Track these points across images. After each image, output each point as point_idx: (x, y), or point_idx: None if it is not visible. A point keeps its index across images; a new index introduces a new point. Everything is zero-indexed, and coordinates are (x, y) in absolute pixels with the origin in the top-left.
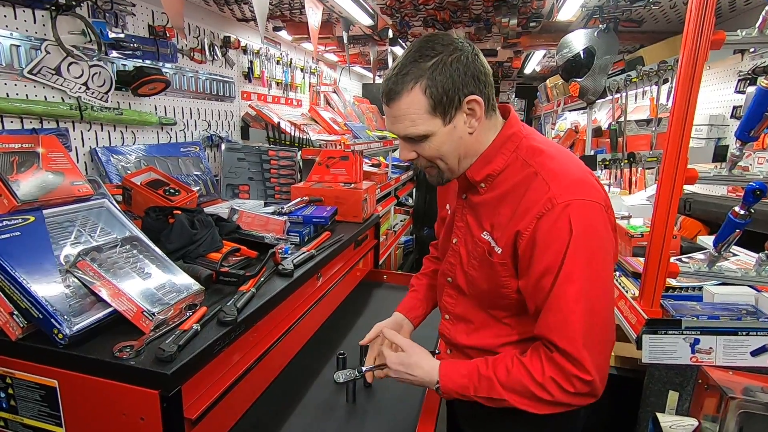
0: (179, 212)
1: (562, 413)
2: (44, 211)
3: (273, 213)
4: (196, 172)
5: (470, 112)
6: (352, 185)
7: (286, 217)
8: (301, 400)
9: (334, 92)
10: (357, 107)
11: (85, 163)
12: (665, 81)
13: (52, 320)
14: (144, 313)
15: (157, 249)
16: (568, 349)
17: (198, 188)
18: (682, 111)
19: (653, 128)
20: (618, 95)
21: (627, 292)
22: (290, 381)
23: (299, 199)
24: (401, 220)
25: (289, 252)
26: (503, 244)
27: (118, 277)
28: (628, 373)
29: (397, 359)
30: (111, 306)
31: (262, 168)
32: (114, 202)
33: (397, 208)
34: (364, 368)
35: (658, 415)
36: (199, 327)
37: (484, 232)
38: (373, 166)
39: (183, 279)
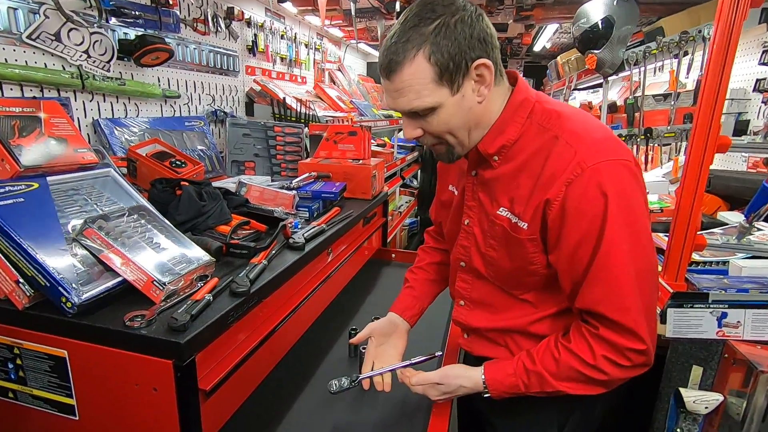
0: (186, 184)
1: None
2: (48, 178)
3: (281, 188)
4: (200, 147)
5: (479, 78)
6: (361, 161)
7: (294, 192)
8: (312, 376)
9: (339, 70)
10: (362, 86)
11: (87, 134)
12: (686, 53)
13: (60, 288)
14: (154, 282)
15: (165, 220)
16: (621, 320)
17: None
18: (717, 70)
19: (672, 102)
20: (636, 68)
21: None
22: (301, 356)
23: (307, 174)
24: (406, 202)
25: (299, 226)
26: (529, 217)
27: (126, 246)
28: None
29: (440, 393)
30: (120, 275)
31: (268, 144)
32: (119, 172)
33: (401, 189)
34: (360, 375)
35: (681, 390)
36: (211, 297)
37: (501, 209)
38: (378, 146)
39: (193, 250)
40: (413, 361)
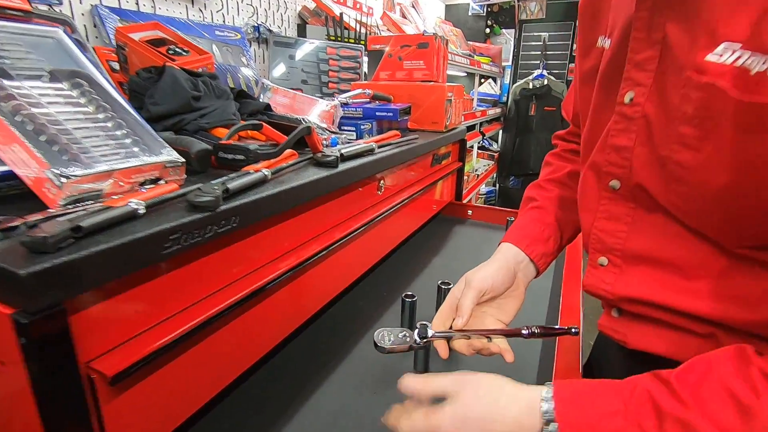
0: (174, 66)
1: None
2: None
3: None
4: (233, 64)
5: None
6: (433, 82)
7: (337, 102)
8: (342, 362)
9: (413, 6)
10: (439, 27)
11: (84, 25)
12: None
13: None
14: (50, 174)
15: (121, 100)
16: None
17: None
18: None
19: None
20: None
21: None
22: (328, 331)
23: (359, 91)
24: (484, 166)
25: (338, 143)
26: None
27: (22, 117)
28: None
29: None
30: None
31: (319, 70)
32: (78, 38)
33: (479, 152)
34: (434, 332)
35: None
36: (143, 207)
37: (723, 47)
38: None
39: (154, 146)
40: (526, 332)
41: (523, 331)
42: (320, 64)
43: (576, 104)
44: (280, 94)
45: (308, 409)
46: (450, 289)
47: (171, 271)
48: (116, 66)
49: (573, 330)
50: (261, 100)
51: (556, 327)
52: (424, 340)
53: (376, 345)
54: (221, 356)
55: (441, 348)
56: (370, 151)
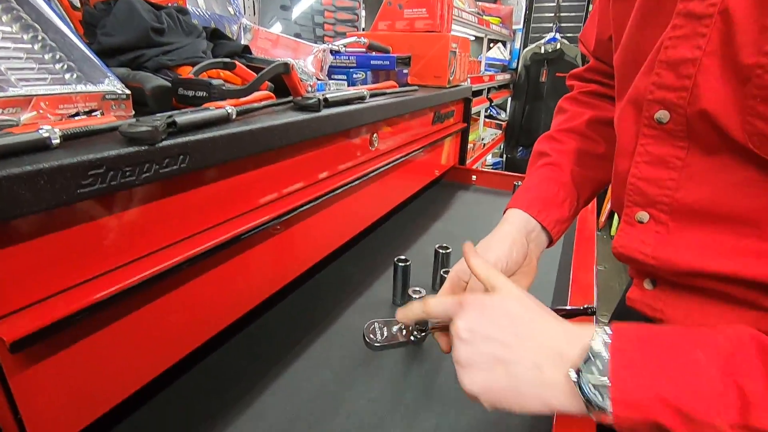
0: None
1: None
2: None
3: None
4: (219, 13)
5: None
6: (436, 33)
7: (327, 47)
8: (325, 332)
9: None
10: None
11: None
12: None
13: None
14: None
15: (60, 23)
16: None
17: None
18: None
19: None
20: None
21: None
22: (311, 299)
23: (354, 39)
24: (491, 134)
25: (325, 90)
26: None
27: None
28: None
29: (470, 324)
30: None
31: (313, 22)
32: None
33: (486, 120)
34: (430, 323)
35: None
36: (57, 136)
37: None
38: None
39: (93, 75)
40: None
41: None
42: (315, 16)
43: (601, 30)
44: (262, 35)
45: (283, 386)
46: (448, 254)
47: (99, 217)
48: (78, 4)
49: (589, 310)
50: (240, 41)
51: (568, 307)
52: (423, 333)
53: (365, 341)
54: (174, 323)
55: (443, 340)
56: (360, 99)
